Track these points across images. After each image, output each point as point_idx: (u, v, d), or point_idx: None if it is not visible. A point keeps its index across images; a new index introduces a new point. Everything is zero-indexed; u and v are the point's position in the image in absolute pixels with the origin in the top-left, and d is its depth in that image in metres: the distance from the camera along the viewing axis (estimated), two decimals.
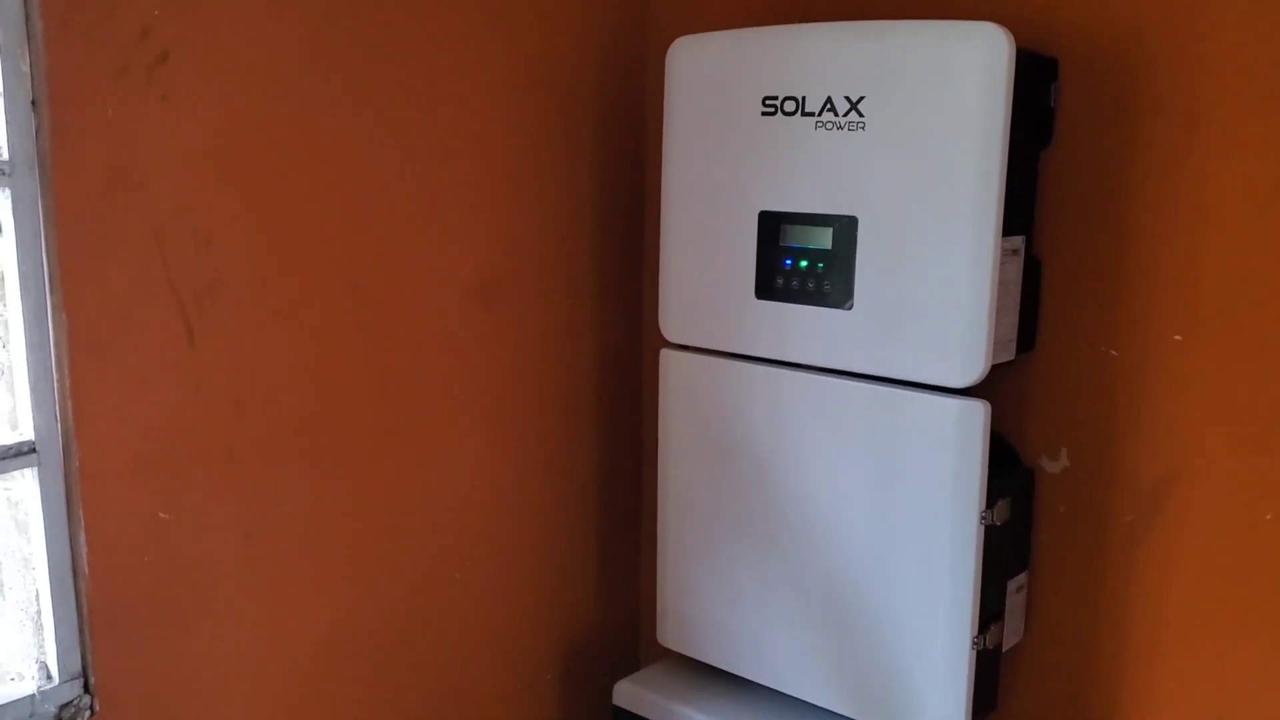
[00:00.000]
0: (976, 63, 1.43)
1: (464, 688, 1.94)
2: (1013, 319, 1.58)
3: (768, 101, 1.63)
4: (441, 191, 1.76)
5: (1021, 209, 1.59)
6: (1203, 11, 1.47)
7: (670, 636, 1.91)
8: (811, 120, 1.59)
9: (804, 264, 1.63)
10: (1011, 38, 1.41)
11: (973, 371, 1.50)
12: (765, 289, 1.67)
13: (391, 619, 1.80)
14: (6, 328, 1.37)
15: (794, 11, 1.83)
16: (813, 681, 1.73)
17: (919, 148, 1.49)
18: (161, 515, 1.48)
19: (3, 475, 1.38)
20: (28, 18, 1.30)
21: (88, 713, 1.45)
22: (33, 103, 1.32)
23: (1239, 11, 1.45)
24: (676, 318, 1.80)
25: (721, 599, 1.82)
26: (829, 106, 1.57)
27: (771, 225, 1.65)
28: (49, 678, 1.44)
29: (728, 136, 1.68)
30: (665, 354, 1.83)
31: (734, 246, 1.70)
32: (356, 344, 1.68)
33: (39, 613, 1.43)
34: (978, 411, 1.51)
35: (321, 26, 1.56)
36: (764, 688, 1.81)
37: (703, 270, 1.75)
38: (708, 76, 1.70)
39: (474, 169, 1.80)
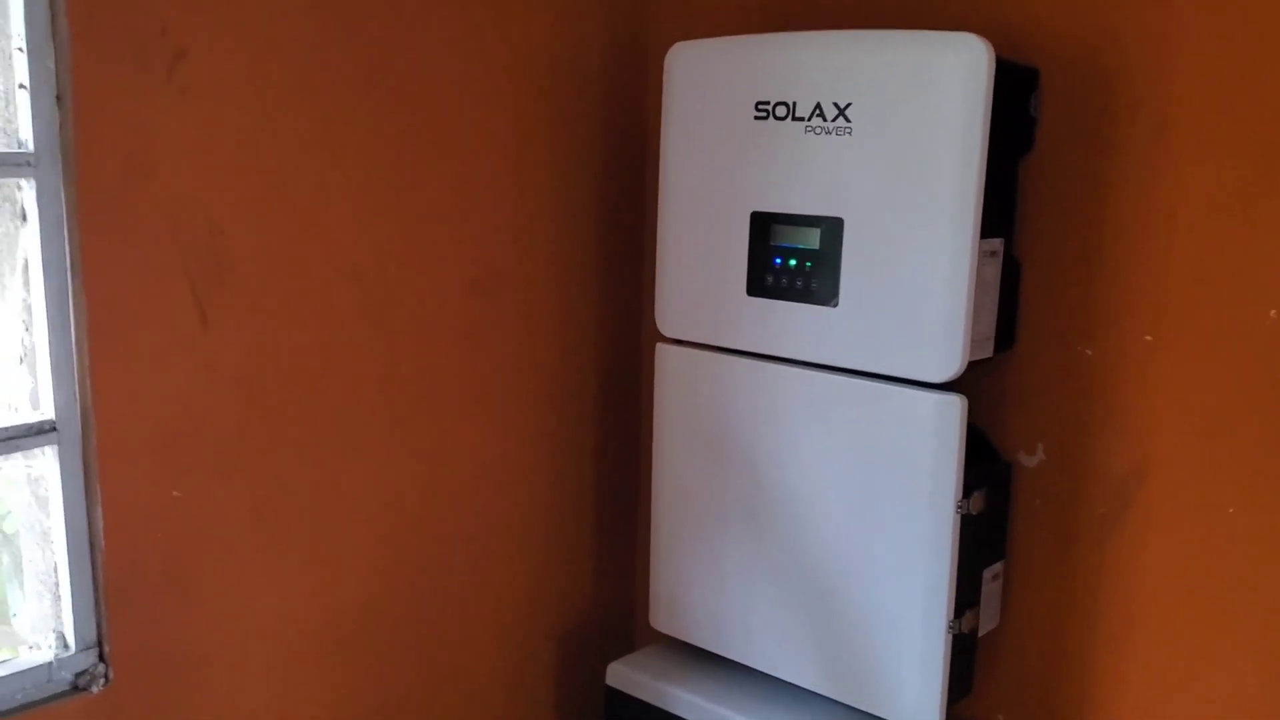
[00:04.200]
0: (958, 72, 1.50)
1: (463, 667, 2.01)
2: (991, 318, 1.64)
3: (760, 106, 1.69)
4: (446, 185, 1.83)
5: (1002, 213, 1.65)
6: (1175, 24, 1.54)
7: (662, 620, 1.98)
8: (801, 125, 1.65)
9: (793, 263, 1.69)
10: (991, 49, 1.48)
11: (950, 367, 1.56)
12: (756, 286, 1.74)
13: (393, 599, 1.87)
14: (30, 311, 1.44)
15: (790, 19, 1.89)
16: (796, 664, 1.80)
17: (902, 152, 1.56)
18: (174, 493, 1.55)
19: (24, 452, 1.45)
20: (53, 16, 1.37)
21: (103, 680, 1.52)
22: (57, 98, 1.39)
23: (1209, 24, 1.51)
24: (672, 313, 1.87)
25: (711, 584, 1.88)
26: (818, 112, 1.63)
27: (763, 225, 1.72)
28: (66, 646, 1.51)
29: (722, 139, 1.74)
30: (660, 348, 1.89)
31: (727, 245, 1.76)
32: (360, 331, 1.75)
33: (56, 584, 1.50)
34: (955, 406, 1.57)
35: (332, 25, 1.63)
36: (750, 669, 1.88)
37: (697, 268, 1.81)
38: (703, 81, 1.76)
39: (479, 164, 1.87)
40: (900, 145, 1.56)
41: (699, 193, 1.80)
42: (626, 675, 1.97)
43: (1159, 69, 1.55)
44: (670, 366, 1.89)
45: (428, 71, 1.77)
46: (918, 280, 1.57)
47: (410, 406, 1.84)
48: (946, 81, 1.51)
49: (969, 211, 1.51)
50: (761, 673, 1.86)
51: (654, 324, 1.90)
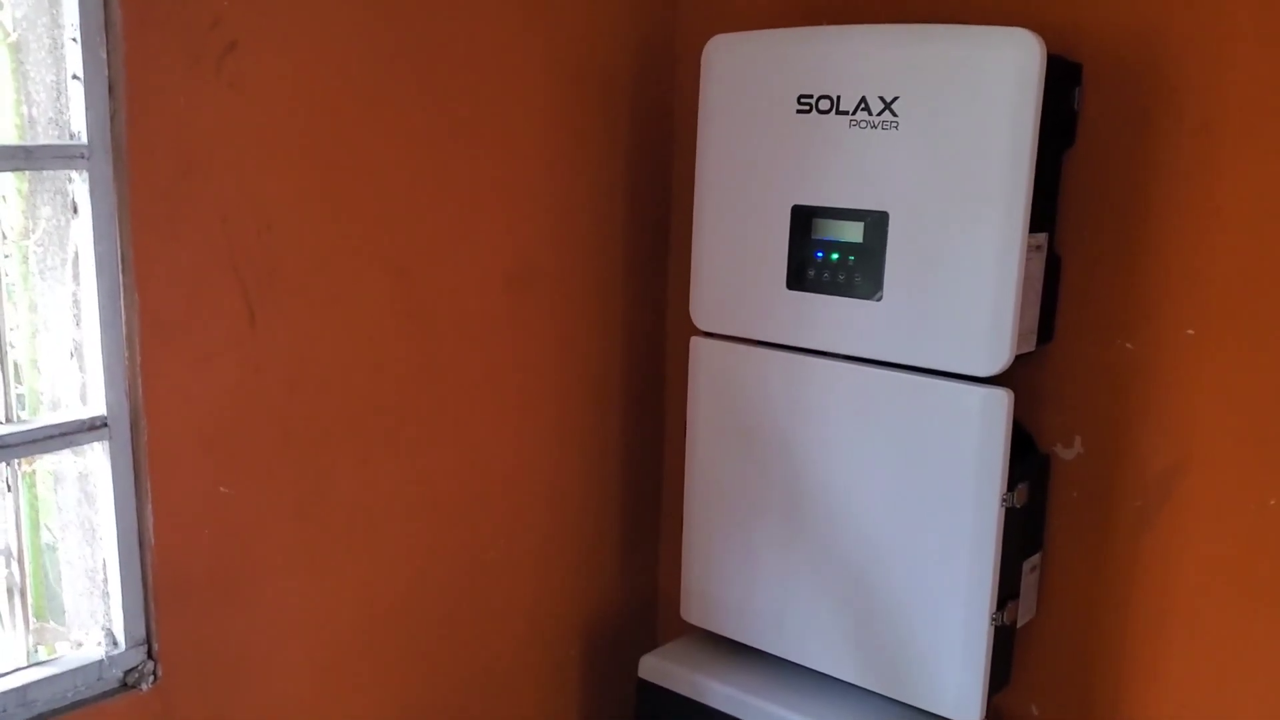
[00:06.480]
0: (1009, 67, 1.50)
1: (495, 661, 2.01)
2: (1034, 312, 1.65)
3: (802, 99, 1.69)
4: (483, 182, 1.82)
5: (1044, 207, 1.66)
6: (1220, 22, 1.55)
7: (695, 613, 1.98)
8: (845, 119, 1.65)
9: (835, 256, 1.70)
10: (1043, 44, 1.48)
11: (998, 361, 1.57)
12: (796, 280, 1.74)
13: (429, 595, 1.86)
14: (79, 305, 1.43)
15: (819, 12, 1.89)
16: (833, 656, 1.81)
17: (951, 147, 1.56)
18: (222, 490, 1.54)
19: (74, 449, 1.44)
20: (106, 7, 1.35)
21: (152, 678, 1.50)
22: (110, 90, 1.37)
23: (1255, 22, 1.52)
24: (708, 307, 1.86)
25: (746, 577, 1.89)
26: (863, 106, 1.63)
27: (803, 219, 1.72)
28: (115, 644, 1.49)
29: (762, 132, 1.74)
30: (696, 342, 1.89)
31: (766, 239, 1.76)
32: (402, 329, 1.74)
33: (105, 581, 1.49)
34: (1002, 399, 1.58)
35: (377, 22, 1.62)
36: (785, 662, 1.88)
37: (735, 261, 1.81)
38: (743, 74, 1.76)
39: (514, 162, 1.86)
40: (949, 139, 1.56)
41: (737, 186, 1.79)
42: (660, 668, 1.97)
43: (1204, 68, 1.56)
44: (706, 360, 1.89)
45: (467, 69, 1.75)
46: (966, 274, 1.57)
47: (447, 403, 1.83)
48: (998, 76, 1.51)
49: (1019, 206, 1.52)
50: (795, 665, 1.87)
51: (679, 318, 1.90)
